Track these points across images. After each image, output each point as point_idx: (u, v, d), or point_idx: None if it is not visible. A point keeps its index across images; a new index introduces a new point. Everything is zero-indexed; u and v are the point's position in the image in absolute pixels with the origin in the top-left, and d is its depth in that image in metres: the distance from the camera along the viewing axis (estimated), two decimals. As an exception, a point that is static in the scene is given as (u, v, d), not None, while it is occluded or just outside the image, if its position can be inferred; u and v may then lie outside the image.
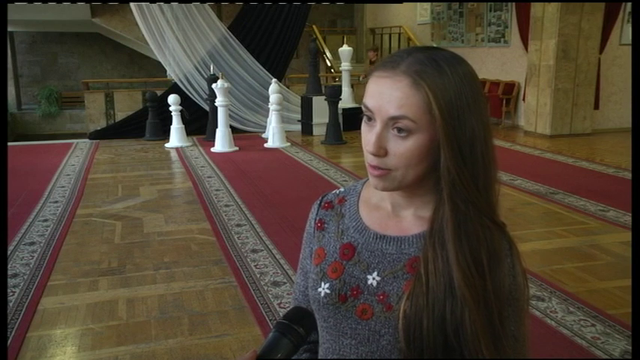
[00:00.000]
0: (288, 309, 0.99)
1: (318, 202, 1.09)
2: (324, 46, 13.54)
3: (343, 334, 0.96)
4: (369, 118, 0.90)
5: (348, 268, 0.97)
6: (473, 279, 0.86)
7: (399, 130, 0.86)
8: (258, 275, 3.68)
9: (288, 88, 10.77)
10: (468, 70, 0.89)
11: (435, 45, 10.63)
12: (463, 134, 0.86)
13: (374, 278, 0.94)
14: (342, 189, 1.09)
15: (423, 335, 0.87)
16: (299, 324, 0.91)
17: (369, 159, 0.90)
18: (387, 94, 0.86)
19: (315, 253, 1.03)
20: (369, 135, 0.89)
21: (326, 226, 1.04)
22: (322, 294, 0.97)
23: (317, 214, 1.07)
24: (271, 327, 2.98)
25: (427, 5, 12.72)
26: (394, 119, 0.86)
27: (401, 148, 0.87)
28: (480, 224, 0.88)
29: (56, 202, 5.52)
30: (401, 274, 0.93)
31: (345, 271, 0.97)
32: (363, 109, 0.90)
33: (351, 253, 0.98)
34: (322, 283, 0.98)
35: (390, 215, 0.98)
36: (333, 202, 1.06)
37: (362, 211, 1.02)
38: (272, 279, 3.61)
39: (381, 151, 0.88)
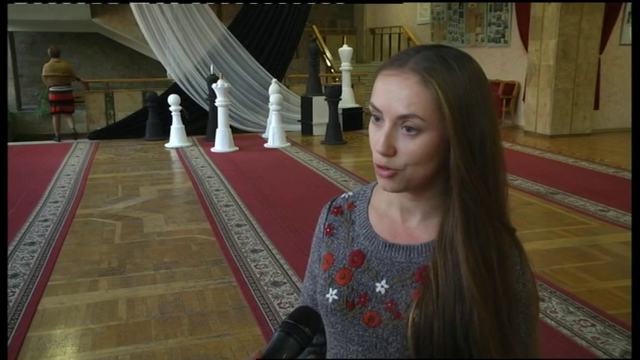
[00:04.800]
0: (294, 309, 0.98)
1: (327, 206, 1.07)
2: (324, 46, 13.54)
3: (350, 341, 0.95)
4: (377, 118, 0.88)
5: (357, 275, 0.96)
6: (482, 278, 0.85)
7: (408, 128, 0.84)
8: (258, 275, 3.68)
9: (288, 88, 10.77)
10: (476, 67, 0.87)
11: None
12: (473, 132, 0.84)
13: (382, 286, 0.94)
14: (350, 193, 1.07)
15: (434, 342, 0.86)
16: (305, 324, 0.90)
17: (378, 159, 0.88)
18: (395, 93, 0.84)
19: (324, 258, 1.02)
20: (377, 135, 0.87)
21: (335, 231, 1.03)
22: (330, 300, 0.96)
23: (326, 219, 1.05)
24: (271, 327, 2.98)
25: (427, 5, 12.71)
26: (403, 118, 0.84)
27: (410, 146, 0.85)
28: (489, 225, 0.87)
29: (56, 202, 5.52)
30: (410, 282, 0.92)
31: (353, 278, 0.96)
32: (371, 108, 0.88)
33: (360, 261, 0.97)
34: (330, 289, 0.97)
35: (400, 223, 0.97)
36: (342, 207, 1.05)
37: (372, 218, 1.00)
38: (272, 279, 3.61)
39: (391, 151, 0.86)
